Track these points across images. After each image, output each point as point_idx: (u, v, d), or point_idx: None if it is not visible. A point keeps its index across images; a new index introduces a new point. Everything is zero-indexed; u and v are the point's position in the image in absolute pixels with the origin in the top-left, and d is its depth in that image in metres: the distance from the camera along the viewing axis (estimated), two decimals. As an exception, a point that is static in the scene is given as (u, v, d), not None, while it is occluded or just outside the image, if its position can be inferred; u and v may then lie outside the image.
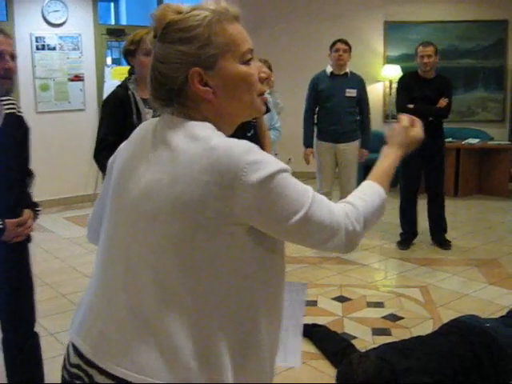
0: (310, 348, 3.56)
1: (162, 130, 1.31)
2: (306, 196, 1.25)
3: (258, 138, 3.80)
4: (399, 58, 8.88)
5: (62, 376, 1.40)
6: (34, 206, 2.66)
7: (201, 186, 1.19)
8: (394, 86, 8.89)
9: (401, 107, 5.35)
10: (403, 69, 8.72)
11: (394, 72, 8.77)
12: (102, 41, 7.78)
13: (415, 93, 5.40)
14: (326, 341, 3.55)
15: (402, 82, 5.67)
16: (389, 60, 8.94)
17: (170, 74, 1.29)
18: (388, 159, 1.52)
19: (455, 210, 7.01)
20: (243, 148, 1.22)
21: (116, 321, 1.30)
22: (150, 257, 1.27)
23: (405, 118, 1.60)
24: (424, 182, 5.72)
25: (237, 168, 1.18)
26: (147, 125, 1.41)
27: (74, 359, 1.35)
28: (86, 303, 1.40)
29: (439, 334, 3.18)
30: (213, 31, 1.28)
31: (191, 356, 1.23)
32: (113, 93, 3.31)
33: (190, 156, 1.22)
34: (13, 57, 2.46)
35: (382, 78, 8.95)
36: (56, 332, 3.83)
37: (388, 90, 8.95)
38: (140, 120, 3.14)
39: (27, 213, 2.58)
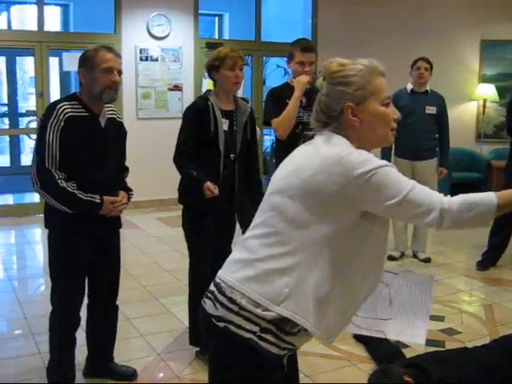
0: (361, 352, 3.73)
1: (318, 138, 1.83)
2: (405, 184, 1.66)
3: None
4: (495, 77, 8.80)
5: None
6: (127, 190, 3.22)
7: (326, 174, 1.67)
8: (488, 105, 8.85)
9: None
10: (498, 88, 8.64)
11: (489, 91, 8.69)
12: (201, 53, 8.26)
13: None
14: (376, 345, 3.69)
15: None
16: (484, 79, 8.86)
17: (330, 105, 1.79)
18: None
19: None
20: (358, 154, 1.70)
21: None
22: (277, 209, 1.77)
23: None
24: None
25: (352, 165, 1.66)
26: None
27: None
28: None
29: (485, 348, 3.23)
30: (365, 80, 1.77)
31: (283, 285, 1.69)
32: (193, 103, 3.60)
33: (324, 154, 1.72)
34: (119, 72, 3.00)
35: (477, 97, 8.87)
36: (132, 318, 4.22)
37: (482, 108, 8.85)
38: (216, 128, 3.43)
39: (122, 194, 3.14)
